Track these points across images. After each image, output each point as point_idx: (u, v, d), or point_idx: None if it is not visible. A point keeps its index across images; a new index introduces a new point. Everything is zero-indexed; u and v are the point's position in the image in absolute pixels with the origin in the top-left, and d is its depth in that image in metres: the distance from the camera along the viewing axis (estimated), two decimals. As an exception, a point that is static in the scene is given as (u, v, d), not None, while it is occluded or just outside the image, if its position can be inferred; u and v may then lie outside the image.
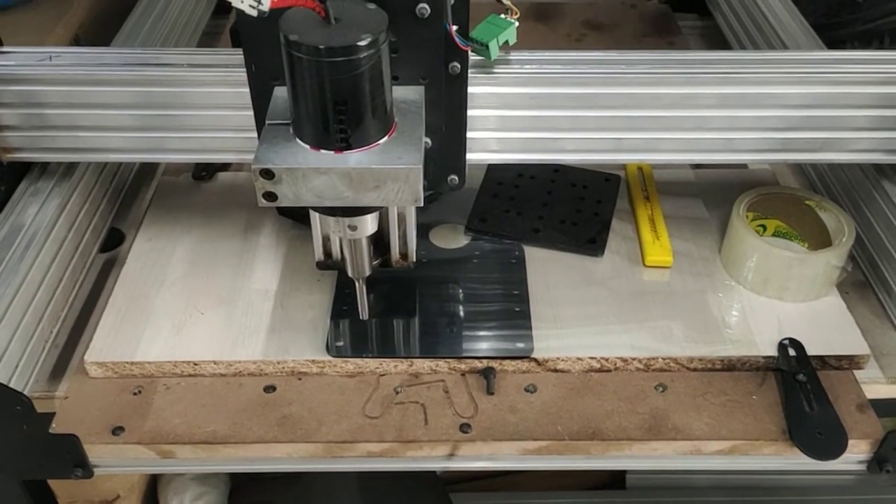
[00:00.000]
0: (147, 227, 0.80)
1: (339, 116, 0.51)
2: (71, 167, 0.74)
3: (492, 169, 0.86)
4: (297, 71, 0.50)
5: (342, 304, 0.72)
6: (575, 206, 0.82)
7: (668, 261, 0.76)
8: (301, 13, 0.51)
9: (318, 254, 0.66)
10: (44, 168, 0.74)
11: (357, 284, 0.66)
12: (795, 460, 0.63)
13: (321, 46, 0.49)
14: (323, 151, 0.53)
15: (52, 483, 0.74)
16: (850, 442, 0.62)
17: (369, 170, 0.52)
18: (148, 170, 0.90)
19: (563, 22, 1.16)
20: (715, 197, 0.84)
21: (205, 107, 0.66)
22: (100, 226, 0.78)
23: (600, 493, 1.26)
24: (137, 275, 0.75)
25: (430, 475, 1.16)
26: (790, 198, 0.77)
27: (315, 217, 0.63)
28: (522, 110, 0.65)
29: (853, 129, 0.67)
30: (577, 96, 0.65)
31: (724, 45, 1.07)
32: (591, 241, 0.78)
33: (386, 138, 0.54)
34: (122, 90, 0.65)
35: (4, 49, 0.67)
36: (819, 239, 0.75)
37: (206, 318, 0.71)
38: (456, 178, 0.64)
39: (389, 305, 0.72)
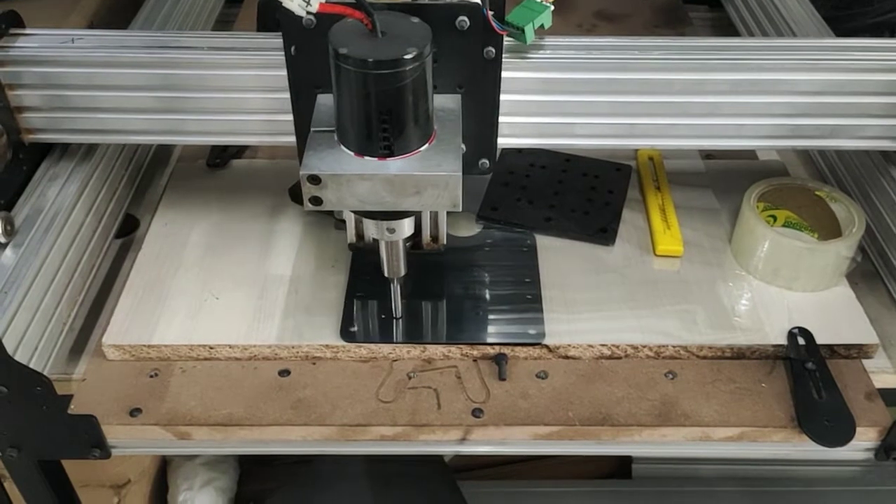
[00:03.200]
0: (163, 212, 0.81)
1: (384, 125, 0.53)
2: (90, 149, 0.75)
3: (503, 158, 0.86)
4: (345, 82, 0.52)
5: (356, 290, 0.72)
6: (586, 195, 0.83)
7: (679, 250, 0.77)
8: (349, 27, 0.53)
9: (351, 236, 0.68)
10: (64, 149, 0.74)
11: (392, 285, 0.68)
12: (803, 447, 0.64)
13: (369, 59, 0.51)
14: (366, 158, 0.55)
15: (65, 467, 0.75)
16: (858, 429, 0.63)
17: (411, 176, 0.54)
18: (162, 156, 0.90)
19: (575, 13, 1.16)
20: (725, 187, 0.84)
21: (224, 89, 0.66)
22: (116, 210, 0.79)
23: (606, 482, 1.27)
24: (154, 258, 0.76)
25: (437, 462, 1.16)
26: (801, 188, 0.78)
27: None
28: (535, 95, 0.66)
29: (862, 115, 0.68)
30: (590, 81, 0.65)
31: (734, 36, 1.07)
32: (602, 229, 0.79)
33: (426, 146, 0.56)
34: (142, 72, 0.66)
35: (27, 31, 0.68)
36: (829, 229, 0.76)
37: (222, 302, 0.72)
38: (487, 161, 0.65)
39: (417, 290, 0.73)
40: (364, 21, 0.53)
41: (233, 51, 0.66)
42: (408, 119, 0.54)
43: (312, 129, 0.57)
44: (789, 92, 0.66)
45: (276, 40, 0.67)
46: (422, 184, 0.54)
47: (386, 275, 0.67)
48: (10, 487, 0.70)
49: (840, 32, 0.88)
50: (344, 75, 0.52)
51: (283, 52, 0.65)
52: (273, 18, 0.83)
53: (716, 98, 0.66)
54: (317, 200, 0.55)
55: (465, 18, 0.57)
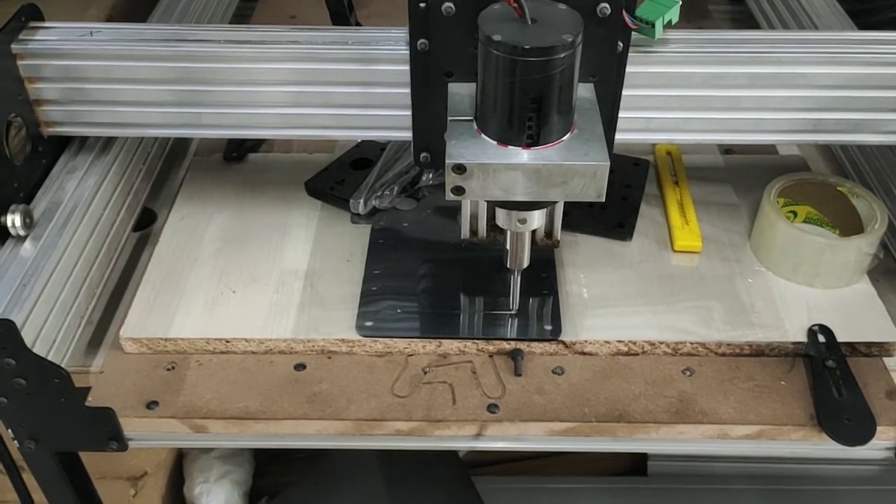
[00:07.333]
0: (180, 206, 0.82)
1: (531, 114, 0.52)
2: (108, 143, 0.75)
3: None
4: (495, 69, 0.52)
5: (371, 285, 0.72)
6: (603, 190, 0.82)
7: (697, 245, 0.76)
8: (498, 13, 0.53)
9: (465, 232, 0.67)
10: (82, 143, 0.75)
11: (512, 276, 0.68)
12: (823, 446, 0.63)
13: (525, 46, 0.50)
14: (510, 147, 0.54)
15: (83, 459, 0.75)
16: (879, 428, 0.62)
17: (559, 166, 0.53)
18: (179, 150, 0.91)
19: (593, 6, 1.15)
20: (745, 183, 0.83)
21: (241, 83, 0.66)
22: (134, 204, 0.79)
23: (622, 479, 1.26)
24: (171, 252, 0.76)
25: (452, 458, 1.16)
26: (822, 184, 0.77)
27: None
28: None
29: (885, 110, 0.67)
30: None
31: (755, 29, 1.06)
32: (619, 225, 0.78)
33: (568, 135, 0.55)
34: (160, 65, 0.66)
35: (46, 24, 0.69)
36: (850, 225, 0.75)
37: (238, 296, 0.72)
38: None
39: (434, 285, 0.73)
40: (513, 6, 0.52)
41: (250, 44, 0.66)
42: (555, 107, 0.53)
43: (450, 118, 0.56)
44: (810, 86, 0.65)
45: (292, 33, 0.67)
46: (569, 173, 0.53)
47: (508, 266, 0.66)
48: (29, 479, 0.70)
49: (863, 26, 0.87)
50: (494, 62, 0.51)
51: (295, 46, 0.65)
52: (340, 4, 0.81)
53: (736, 92, 0.66)
54: (459, 190, 0.54)
55: (607, 5, 0.56)
